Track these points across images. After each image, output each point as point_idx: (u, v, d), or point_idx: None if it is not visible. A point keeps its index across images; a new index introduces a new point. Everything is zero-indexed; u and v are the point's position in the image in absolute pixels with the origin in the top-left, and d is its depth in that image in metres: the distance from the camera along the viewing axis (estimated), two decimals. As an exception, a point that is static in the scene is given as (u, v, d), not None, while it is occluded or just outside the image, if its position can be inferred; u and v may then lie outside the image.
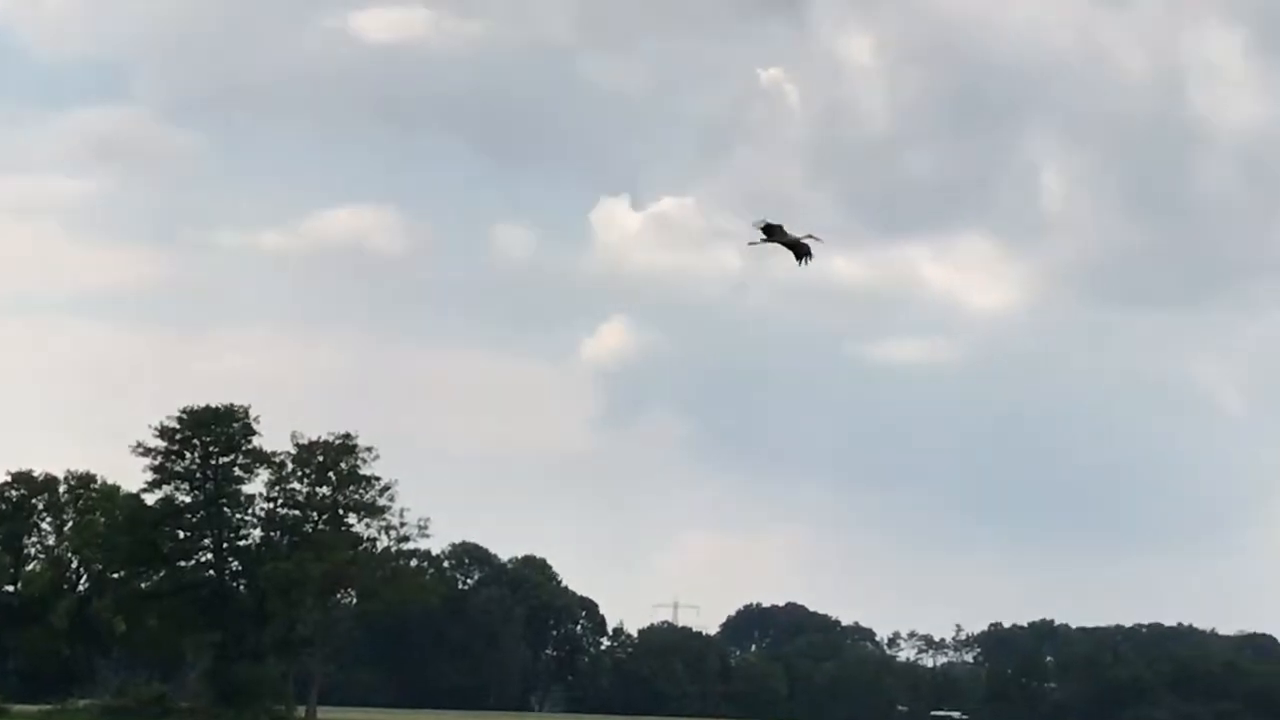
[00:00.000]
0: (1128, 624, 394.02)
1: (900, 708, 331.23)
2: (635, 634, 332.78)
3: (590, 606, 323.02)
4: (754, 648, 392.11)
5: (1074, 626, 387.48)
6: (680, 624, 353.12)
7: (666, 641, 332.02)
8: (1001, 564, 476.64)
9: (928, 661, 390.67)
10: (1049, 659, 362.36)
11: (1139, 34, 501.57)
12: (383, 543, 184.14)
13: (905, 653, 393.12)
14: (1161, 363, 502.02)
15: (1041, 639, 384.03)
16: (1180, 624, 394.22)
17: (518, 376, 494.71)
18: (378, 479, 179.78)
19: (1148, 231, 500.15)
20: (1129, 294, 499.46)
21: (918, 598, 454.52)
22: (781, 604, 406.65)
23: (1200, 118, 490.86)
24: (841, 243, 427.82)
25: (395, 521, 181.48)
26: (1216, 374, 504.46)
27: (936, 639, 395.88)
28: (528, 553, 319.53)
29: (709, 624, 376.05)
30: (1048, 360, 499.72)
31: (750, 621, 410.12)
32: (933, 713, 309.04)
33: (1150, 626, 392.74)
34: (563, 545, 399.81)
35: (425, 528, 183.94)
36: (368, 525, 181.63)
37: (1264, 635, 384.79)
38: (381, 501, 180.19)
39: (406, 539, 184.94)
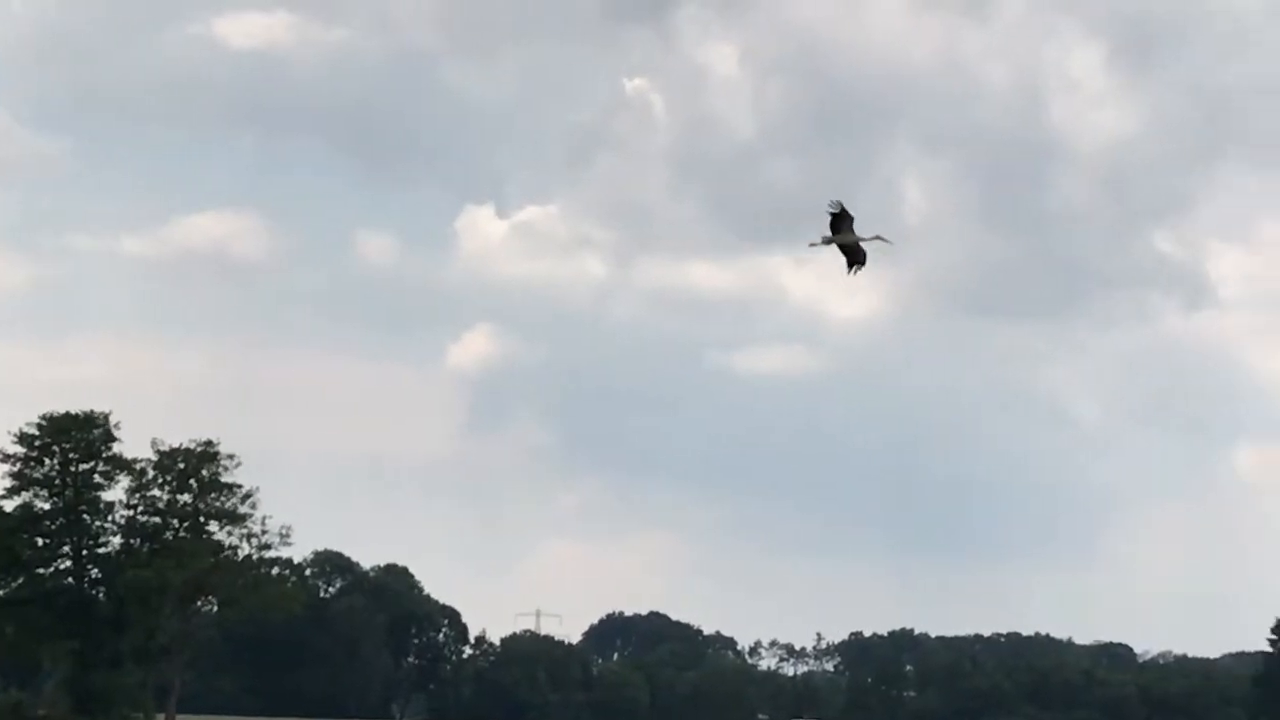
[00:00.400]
0: (986, 633, 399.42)
1: (761, 716, 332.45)
2: (498, 642, 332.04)
3: (452, 615, 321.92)
4: (616, 656, 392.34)
5: (934, 636, 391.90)
6: (543, 633, 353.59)
7: (529, 650, 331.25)
8: (862, 573, 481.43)
9: (789, 670, 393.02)
10: (909, 668, 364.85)
11: (1000, 47, 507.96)
12: (244, 550, 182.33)
13: (766, 661, 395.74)
14: (1020, 374, 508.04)
15: (901, 648, 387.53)
16: (1038, 633, 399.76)
17: (382, 383, 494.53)
18: (239, 486, 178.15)
19: (1007, 243, 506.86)
20: (988, 305, 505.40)
21: (779, 607, 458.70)
22: (644, 613, 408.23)
23: (1060, 131, 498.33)
24: (705, 252, 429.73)
25: (257, 529, 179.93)
26: (1074, 385, 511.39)
27: (797, 648, 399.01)
28: (390, 561, 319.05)
29: (571, 632, 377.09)
30: (908, 370, 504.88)
31: (612, 630, 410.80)
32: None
33: (1009, 636, 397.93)
34: (425, 553, 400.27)
35: (287, 535, 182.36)
36: (229, 533, 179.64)
37: (1120, 645, 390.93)
38: (243, 509, 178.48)
39: (268, 547, 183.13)
